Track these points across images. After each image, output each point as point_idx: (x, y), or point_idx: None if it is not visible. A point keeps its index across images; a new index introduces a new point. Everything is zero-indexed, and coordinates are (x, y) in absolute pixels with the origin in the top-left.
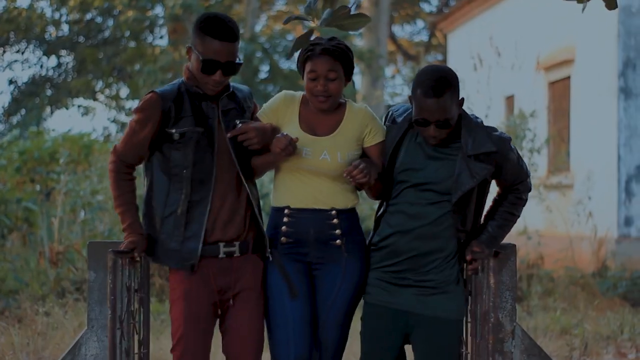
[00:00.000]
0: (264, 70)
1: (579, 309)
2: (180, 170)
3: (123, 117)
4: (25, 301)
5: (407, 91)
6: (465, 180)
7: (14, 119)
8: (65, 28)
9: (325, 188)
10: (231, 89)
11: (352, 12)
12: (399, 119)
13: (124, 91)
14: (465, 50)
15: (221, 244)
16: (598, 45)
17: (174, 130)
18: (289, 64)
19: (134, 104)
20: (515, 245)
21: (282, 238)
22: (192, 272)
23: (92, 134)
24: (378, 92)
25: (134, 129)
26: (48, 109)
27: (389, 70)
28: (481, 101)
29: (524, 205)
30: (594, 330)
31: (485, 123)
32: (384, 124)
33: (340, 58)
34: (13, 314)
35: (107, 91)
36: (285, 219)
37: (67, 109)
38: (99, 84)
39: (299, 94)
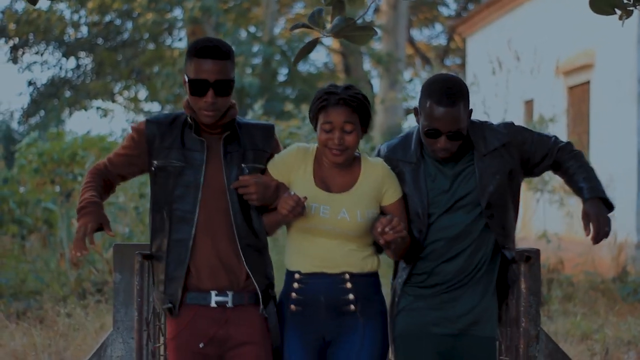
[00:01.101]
0: (282, 73)
1: (600, 314)
2: (161, 205)
3: (141, 119)
4: (46, 302)
5: None
6: (489, 180)
7: (33, 120)
8: (84, 30)
9: (342, 250)
10: (235, 125)
11: (369, 16)
12: (409, 154)
13: (143, 93)
14: (484, 54)
15: (213, 292)
16: (618, 50)
17: (155, 162)
18: (308, 67)
19: (152, 106)
20: (539, 250)
21: (292, 306)
22: (178, 317)
23: (110, 136)
24: (393, 94)
25: (122, 144)
26: (67, 111)
27: (407, 74)
28: (499, 105)
29: (581, 156)
30: (614, 335)
31: None
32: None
33: (358, 109)
34: (34, 315)
35: (125, 93)
36: (295, 285)
37: (85, 110)
38: (118, 86)
39: (313, 147)
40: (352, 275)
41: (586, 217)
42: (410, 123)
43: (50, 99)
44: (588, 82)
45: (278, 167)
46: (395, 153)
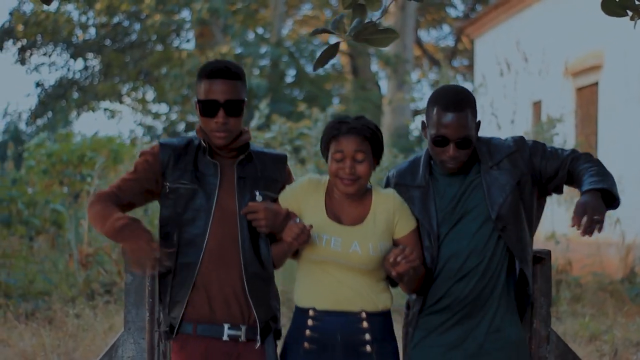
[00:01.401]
0: (290, 75)
1: (608, 315)
2: (171, 227)
3: (149, 121)
4: (55, 303)
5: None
6: (497, 192)
7: (40, 122)
8: (92, 31)
9: (355, 285)
10: (249, 151)
11: (379, 20)
12: (418, 178)
13: (150, 94)
14: (492, 56)
15: (226, 325)
16: (626, 51)
17: (167, 184)
18: None
19: (160, 107)
20: (550, 251)
21: (305, 343)
22: (188, 350)
23: (119, 138)
24: (401, 95)
25: (131, 171)
26: (74, 112)
27: (414, 75)
28: (508, 106)
29: (598, 161)
30: (623, 336)
31: (512, 128)
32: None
33: (369, 138)
34: (43, 316)
35: (133, 94)
36: (309, 322)
37: (93, 112)
38: (126, 88)
39: (325, 179)
40: (368, 314)
41: (575, 208)
42: (418, 124)
43: (57, 100)
44: (596, 84)
45: (288, 199)
46: (404, 179)
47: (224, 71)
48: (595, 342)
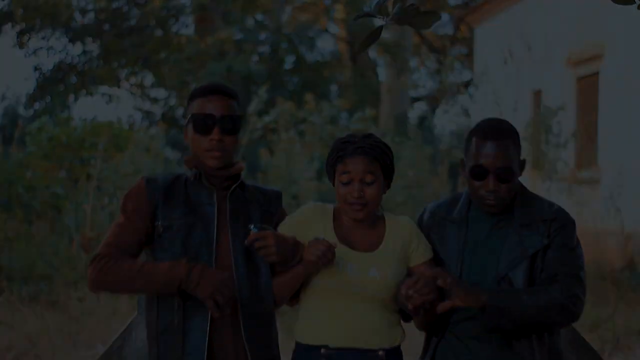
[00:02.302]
0: (289, 62)
1: (609, 304)
2: None
3: (148, 106)
4: (58, 286)
5: (431, 84)
6: (513, 254)
7: (38, 105)
8: (91, 16)
9: (371, 318)
10: (241, 179)
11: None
12: (454, 212)
13: (149, 79)
14: (492, 44)
15: None
16: (627, 41)
17: (159, 223)
18: (315, 56)
19: (159, 92)
20: None
21: None
22: None
23: (118, 123)
24: (400, 82)
25: (121, 220)
26: (72, 96)
27: (413, 63)
28: (509, 95)
29: (558, 306)
30: (624, 324)
31: (513, 117)
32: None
33: (379, 158)
34: (46, 299)
35: (132, 79)
36: None
37: (91, 96)
38: (124, 72)
39: (330, 206)
40: (386, 351)
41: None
42: (417, 112)
43: (56, 85)
44: (597, 74)
45: (293, 227)
46: (440, 209)
47: (220, 89)
48: (597, 330)
